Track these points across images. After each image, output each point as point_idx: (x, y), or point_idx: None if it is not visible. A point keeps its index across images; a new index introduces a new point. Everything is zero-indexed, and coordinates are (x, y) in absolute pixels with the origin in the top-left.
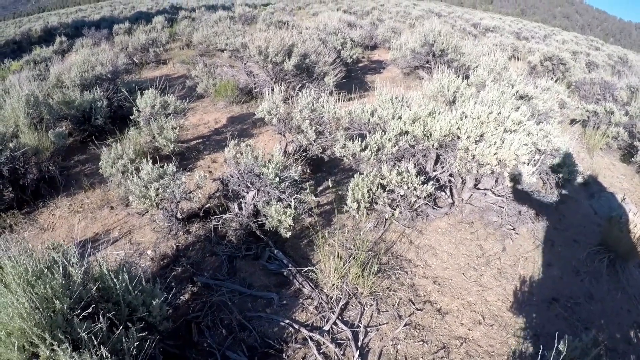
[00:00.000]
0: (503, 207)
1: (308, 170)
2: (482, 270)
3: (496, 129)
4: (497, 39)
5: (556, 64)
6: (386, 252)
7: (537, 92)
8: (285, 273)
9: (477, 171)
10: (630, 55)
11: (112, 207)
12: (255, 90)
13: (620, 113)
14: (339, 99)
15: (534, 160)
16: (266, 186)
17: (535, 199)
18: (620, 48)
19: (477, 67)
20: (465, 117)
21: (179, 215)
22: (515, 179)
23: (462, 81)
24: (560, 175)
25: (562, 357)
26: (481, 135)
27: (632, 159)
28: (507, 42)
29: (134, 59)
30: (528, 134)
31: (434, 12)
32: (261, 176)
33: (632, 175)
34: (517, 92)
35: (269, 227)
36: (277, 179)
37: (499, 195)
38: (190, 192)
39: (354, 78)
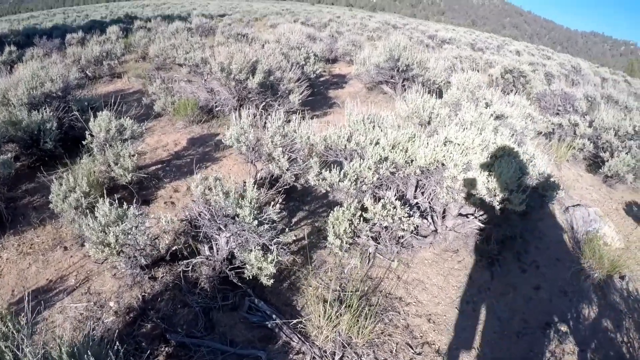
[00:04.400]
0: (485, 229)
1: (279, 200)
2: (474, 301)
3: (481, 155)
4: (455, 51)
5: (517, 76)
6: (374, 291)
7: (513, 111)
8: (269, 325)
9: (466, 201)
10: (582, 64)
11: (65, 248)
12: (217, 109)
13: (584, 125)
14: (303, 117)
15: (523, 187)
16: (243, 230)
17: (516, 219)
18: (569, 56)
19: (442, 82)
20: (450, 142)
21: (143, 262)
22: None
23: (436, 100)
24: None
25: None
26: (467, 163)
27: (600, 170)
28: (464, 54)
29: (87, 72)
30: (514, 159)
31: (390, 24)
32: (236, 218)
33: (600, 185)
34: (494, 112)
35: (248, 276)
36: (256, 221)
37: (482, 222)
38: (156, 239)
39: (317, 94)
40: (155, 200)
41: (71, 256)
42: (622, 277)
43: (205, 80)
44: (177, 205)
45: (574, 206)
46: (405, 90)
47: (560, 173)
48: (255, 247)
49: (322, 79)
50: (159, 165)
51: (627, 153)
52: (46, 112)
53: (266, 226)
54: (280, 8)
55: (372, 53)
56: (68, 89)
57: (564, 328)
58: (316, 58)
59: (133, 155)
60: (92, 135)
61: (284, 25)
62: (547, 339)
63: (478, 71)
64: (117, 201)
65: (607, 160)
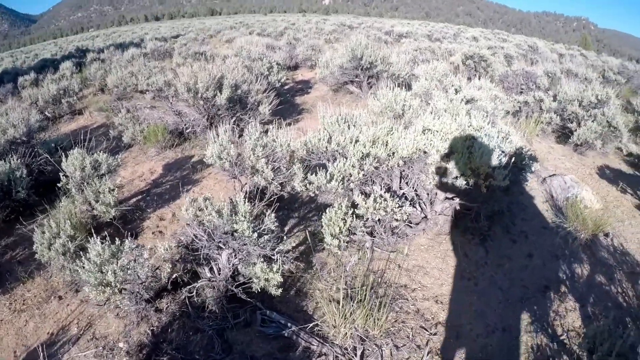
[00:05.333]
0: (473, 208)
1: (268, 211)
2: (475, 277)
3: (460, 138)
4: (414, 43)
5: (478, 61)
6: (380, 283)
7: (481, 94)
8: (286, 334)
9: (453, 184)
10: (538, 43)
11: (60, 297)
12: (187, 131)
13: (549, 100)
14: (280, 126)
15: (504, 164)
16: (244, 244)
17: (501, 195)
18: (524, 37)
19: (406, 75)
20: (428, 130)
21: (146, 296)
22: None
23: (406, 92)
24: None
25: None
26: (448, 147)
27: (569, 140)
28: (423, 46)
29: (46, 112)
30: (491, 137)
31: (346, 25)
32: (235, 234)
33: (571, 154)
34: (464, 97)
35: (257, 289)
36: (255, 234)
37: (470, 202)
38: (157, 269)
39: (285, 102)
40: (142, 232)
41: (68, 304)
42: (606, 235)
43: (171, 103)
44: (165, 234)
45: (550, 176)
46: (371, 87)
47: (532, 147)
48: (258, 260)
49: (286, 86)
50: (139, 197)
51: (593, 121)
52: (13, 160)
53: (266, 237)
54: (234, 22)
55: (334, 55)
56: (31, 132)
57: (562, 288)
58: (279, 67)
59: (113, 190)
60: (66, 176)
61: (240, 39)
62: (548, 300)
63: (438, 60)
64: (107, 238)
65: (575, 130)
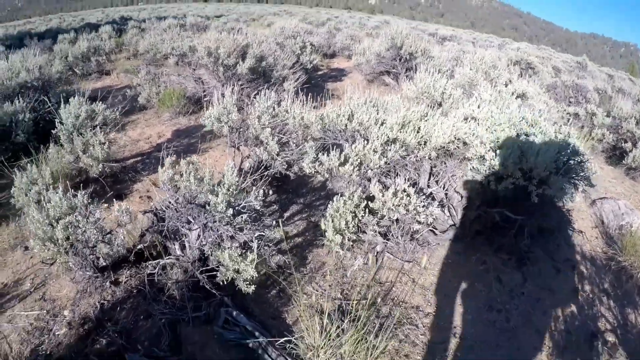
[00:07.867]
0: (517, 221)
1: (270, 192)
2: (507, 310)
3: (510, 131)
4: (457, 47)
5: (525, 68)
6: (385, 298)
7: (534, 91)
8: (250, 344)
9: (495, 187)
10: (587, 61)
11: (26, 248)
12: (205, 100)
13: (602, 115)
14: (293, 98)
15: (562, 170)
16: (214, 222)
17: (549, 209)
18: (571, 56)
19: (447, 72)
20: (473, 118)
21: (101, 262)
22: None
23: (447, 80)
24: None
25: None
26: (497, 140)
27: (623, 161)
28: (467, 49)
29: (76, 69)
30: (549, 137)
31: (389, 23)
32: (207, 207)
33: (623, 178)
34: (515, 90)
35: (223, 280)
36: (231, 210)
37: (511, 213)
38: (109, 233)
39: (314, 85)
40: (130, 194)
41: (31, 257)
42: None
43: (193, 69)
44: (154, 200)
45: (600, 199)
46: (408, 81)
47: None
48: (232, 244)
49: (319, 72)
50: (139, 158)
51: None
52: (19, 102)
53: (245, 216)
54: (278, 9)
55: (373, 43)
56: (50, 81)
57: (612, 338)
58: (313, 48)
59: (103, 143)
60: (62, 123)
61: (280, 22)
62: (595, 352)
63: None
64: (71, 191)
65: (630, 151)
